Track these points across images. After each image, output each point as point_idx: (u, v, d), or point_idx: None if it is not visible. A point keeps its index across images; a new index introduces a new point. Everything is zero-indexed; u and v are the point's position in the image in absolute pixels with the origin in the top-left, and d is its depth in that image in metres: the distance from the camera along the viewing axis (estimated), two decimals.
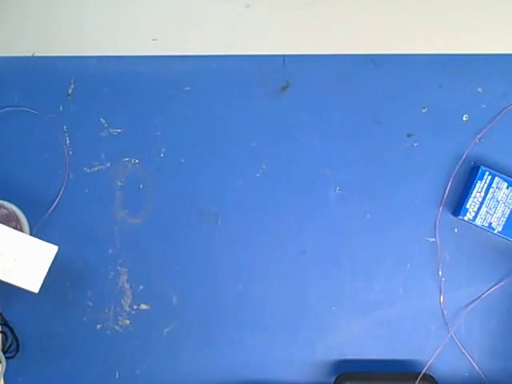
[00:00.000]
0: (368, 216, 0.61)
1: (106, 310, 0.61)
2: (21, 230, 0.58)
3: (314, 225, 0.61)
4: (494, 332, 0.61)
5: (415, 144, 0.61)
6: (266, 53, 0.61)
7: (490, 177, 0.59)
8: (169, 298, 0.61)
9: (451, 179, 0.61)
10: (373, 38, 0.61)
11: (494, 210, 0.59)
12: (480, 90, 0.61)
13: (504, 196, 0.59)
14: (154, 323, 0.61)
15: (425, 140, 0.61)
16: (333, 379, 0.60)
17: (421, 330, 0.61)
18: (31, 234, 0.60)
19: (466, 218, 0.59)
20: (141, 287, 0.62)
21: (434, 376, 0.59)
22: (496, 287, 0.61)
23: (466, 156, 0.61)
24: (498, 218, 0.59)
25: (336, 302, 0.61)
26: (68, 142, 0.62)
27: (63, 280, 0.61)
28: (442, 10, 0.61)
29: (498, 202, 0.59)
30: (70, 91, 0.62)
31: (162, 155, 0.62)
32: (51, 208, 0.61)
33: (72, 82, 0.62)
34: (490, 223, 0.59)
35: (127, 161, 0.62)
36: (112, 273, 0.61)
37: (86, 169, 0.62)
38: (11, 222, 0.59)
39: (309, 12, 0.61)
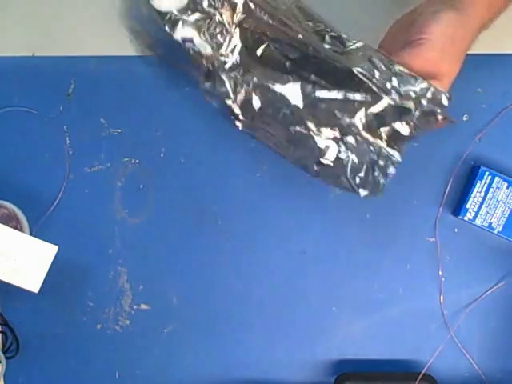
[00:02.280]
0: (368, 216, 0.61)
1: (106, 310, 0.61)
2: (21, 229, 0.58)
3: (314, 225, 0.61)
4: (494, 332, 0.61)
5: (415, 144, 0.61)
6: None
7: (490, 177, 0.59)
8: (169, 298, 0.61)
9: (451, 179, 0.61)
10: (373, 38, 0.61)
11: (493, 210, 0.59)
12: (480, 90, 0.61)
13: (504, 196, 0.59)
14: (154, 323, 0.61)
15: (425, 140, 0.61)
16: (333, 379, 0.60)
17: (421, 330, 0.61)
18: (31, 234, 0.60)
19: (465, 218, 0.59)
20: (141, 287, 0.62)
21: (434, 376, 0.59)
22: (496, 287, 0.61)
23: (466, 156, 0.61)
24: (498, 218, 0.59)
25: (336, 301, 0.61)
26: (68, 141, 0.62)
27: (63, 280, 0.61)
28: None
29: (498, 202, 0.59)
30: (70, 91, 0.62)
31: (162, 155, 0.62)
32: (51, 208, 0.61)
33: (72, 82, 0.62)
34: (490, 223, 0.59)
35: (127, 161, 0.62)
36: (112, 273, 0.61)
37: (86, 169, 0.62)
38: (11, 221, 0.59)
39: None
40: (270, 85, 0.50)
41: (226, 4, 0.50)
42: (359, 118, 0.49)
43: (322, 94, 0.49)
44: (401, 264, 0.61)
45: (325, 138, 0.50)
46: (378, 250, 0.61)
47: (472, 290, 0.61)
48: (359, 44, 0.51)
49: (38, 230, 0.61)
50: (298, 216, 0.61)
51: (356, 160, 0.50)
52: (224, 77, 0.51)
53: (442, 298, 0.61)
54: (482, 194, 0.59)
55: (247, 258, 0.61)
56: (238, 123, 0.53)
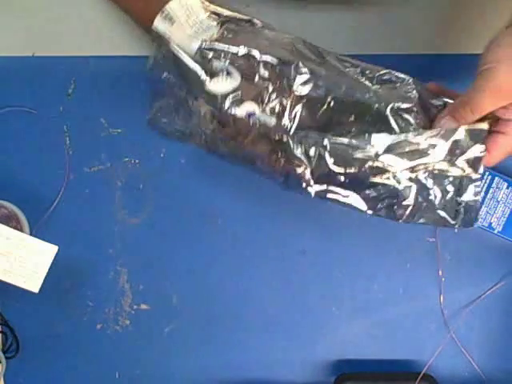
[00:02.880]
0: (368, 216, 0.61)
1: (106, 310, 0.61)
2: (21, 230, 0.58)
3: (314, 225, 0.61)
4: (494, 332, 0.61)
5: None
6: None
7: (489, 177, 0.59)
8: (169, 298, 0.61)
9: None
10: (372, 38, 0.61)
11: (493, 210, 0.59)
12: None
13: (504, 196, 0.59)
14: (154, 323, 0.61)
15: None
16: (333, 379, 0.60)
17: (421, 330, 0.61)
18: (31, 234, 0.60)
19: None
20: (141, 287, 0.62)
21: (434, 376, 0.59)
22: (496, 287, 0.61)
23: None
24: (498, 218, 0.59)
25: (336, 302, 0.61)
26: (68, 142, 0.62)
27: (63, 280, 0.61)
28: (442, 9, 0.61)
29: (498, 202, 0.59)
30: (69, 91, 0.62)
31: (161, 155, 0.62)
32: (51, 208, 0.61)
33: (72, 82, 0.62)
34: (490, 223, 0.59)
35: (127, 161, 0.62)
36: (112, 273, 0.61)
37: (85, 169, 0.62)
38: (11, 221, 0.59)
39: (309, 12, 0.61)
40: (342, 139, 0.48)
41: (277, 75, 0.50)
42: (437, 152, 0.48)
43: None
44: (401, 264, 0.61)
45: (404, 179, 0.49)
46: (377, 250, 0.61)
47: (472, 290, 0.61)
48: (409, 80, 0.51)
49: (38, 230, 0.61)
50: (297, 216, 0.61)
51: (439, 194, 0.49)
52: (293, 144, 0.49)
53: (441, 298, 0.61)
54: (482, 193, 0.59)
55: (247, 258, 0.61)
56: (310, 189, 0.51)
